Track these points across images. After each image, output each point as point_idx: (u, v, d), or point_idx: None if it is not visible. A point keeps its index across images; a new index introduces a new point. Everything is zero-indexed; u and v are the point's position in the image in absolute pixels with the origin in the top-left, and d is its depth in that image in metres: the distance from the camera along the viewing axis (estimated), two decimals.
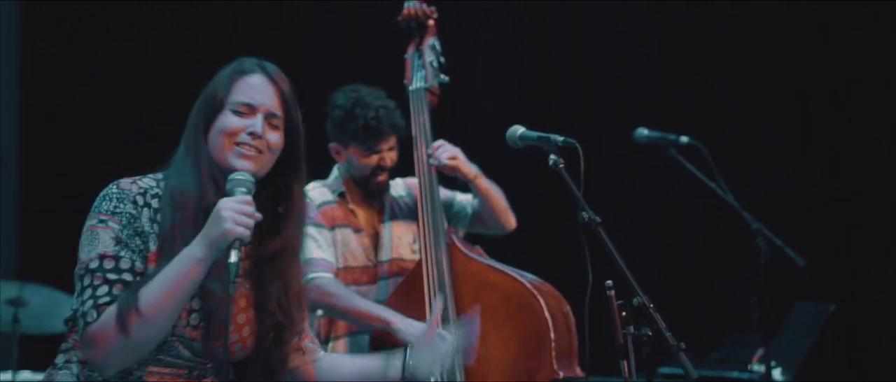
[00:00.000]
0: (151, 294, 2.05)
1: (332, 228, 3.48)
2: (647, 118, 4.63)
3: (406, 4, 3.65)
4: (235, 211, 2.05)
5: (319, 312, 3.48)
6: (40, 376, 4.81)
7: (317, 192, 3.52)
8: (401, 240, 3.57)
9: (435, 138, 3.52)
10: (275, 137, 2.23)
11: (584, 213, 2.59)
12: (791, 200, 5.28)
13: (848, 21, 5.27)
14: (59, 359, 2.25)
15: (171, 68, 5.78)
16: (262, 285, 2.25)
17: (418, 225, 3.48)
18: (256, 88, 2.23)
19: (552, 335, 3.26)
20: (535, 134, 2.76)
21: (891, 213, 5.19)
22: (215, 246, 2.05)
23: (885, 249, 5.20)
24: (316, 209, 3.46)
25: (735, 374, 4.33)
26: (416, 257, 3.53)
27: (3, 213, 5.88)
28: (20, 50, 6.07)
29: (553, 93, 5.58)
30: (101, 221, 2.15)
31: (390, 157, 3.53)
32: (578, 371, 3.33)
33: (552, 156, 2.67)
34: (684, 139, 4.15)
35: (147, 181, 2.22)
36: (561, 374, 3.26)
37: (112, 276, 2.10)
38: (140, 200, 2.18)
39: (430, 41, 3.61)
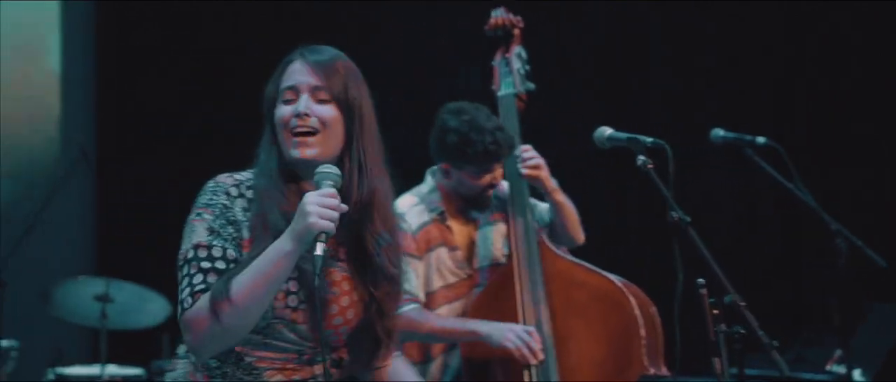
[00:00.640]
0: (242, 284, 2.12)
1: (428, 251, 3.52)
2: (719, 118, 4.64)
3: (493, 14, 3.73)
4: (319, 205, 2.09)
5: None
6: (127, 370, 4.99)
7: (413, 214, 3.52)
8: (495, 245, 3.62)
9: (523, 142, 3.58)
10: (325, 109, 2.23)
11: (673, 213, 2.63)
12: (869, 201, 5.25)
13: None
14: (180, 349, 2.34)
15: (245, 65, 5.83)
16: (361, 265, 2.29)
17: (508, 226, 3.54)
18: (297, 71, 2.27)
19: (642, 332, 3.32)
20: (623, 135, 2.80)
21: None
22: (302, 239, 2.09)
23: None
24: (411, 237, 3.47)
25: (808, 375, 4.32)
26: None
27: (85, 210, 6.02)
28: (96, 49, 6.20)
29: (624, 95, 5.60)
30: (198, 214, 2.23)
31: (500, 174, 3.55)
32: (665, 370, 3.38)
33: (640, 157, 2.72)
34: (761, 140, 4.13)
35: (245, 174, 2.30)
36: (651, 370, 3.32)
37: (206, 265, 2.18)
38: (234, 191, 2.25)
39: (517, 49, 3.70)
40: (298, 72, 2.27)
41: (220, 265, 2.18)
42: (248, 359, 2.24)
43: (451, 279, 3.56)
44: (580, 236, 3.68)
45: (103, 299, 4.82)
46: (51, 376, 4.77)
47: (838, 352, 4.14)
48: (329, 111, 2.25)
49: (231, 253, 2.19)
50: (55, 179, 5.65)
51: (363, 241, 2.27)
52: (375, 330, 2.30)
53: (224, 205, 2.23)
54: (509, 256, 3.54)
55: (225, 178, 2.28)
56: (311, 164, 2.22)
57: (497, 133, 3.43)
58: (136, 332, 5.01)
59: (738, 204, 5.43)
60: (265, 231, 2.19)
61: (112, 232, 5.98)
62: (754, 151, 4.17)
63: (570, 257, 3.54)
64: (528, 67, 3.69)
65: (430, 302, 3.52)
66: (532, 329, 3.37)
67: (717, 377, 2.51)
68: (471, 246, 3.60)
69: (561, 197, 3.59)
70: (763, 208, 5.38)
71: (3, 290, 5.09)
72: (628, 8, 5.59)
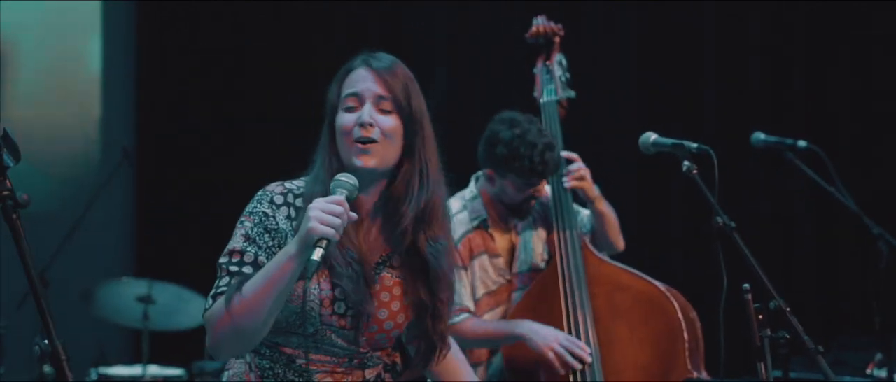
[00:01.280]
0: (252, 286, 2.15)
1: (471, 260, 3.54)
2: (758, 121, 4.63)
3: (534, 22, 3.76)
4: (322, 211, 2.10)
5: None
6: (168, 370, 5.02)
7: (455, 223, 3.51)
8: (535, 250, 3.63)
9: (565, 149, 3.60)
10: (388, 120, 2.24)
11: (718, 218, 2.64)
12: None
13: None
14: None
15: (286, 65, 5.84)
16: (415, 270, 2.31)
17: (553, 229, 3.56)
18: (361, 78, 2.27)
19: (685, 335, 3.34)
20: (668, 140, 2.81)
21: None
22: (305, 243, 2.11)
23: None
24: (455, 248, 3.46)
25: (847, 378, 4.30)
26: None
27: (127, 211, 6.08)
28: (136, 49, 6.24)
29: (659, 98, 5.60)
30: (241, 222, 2.27)
31: (544, 187, 3.55)
32: (706, 374, 3.40)
33: (686, 162, 2.72)
34: (802, 143, 4.13)
35: (296, 183, 2.32)
36: (694, 374, 3.33)
37: (234, 268, 2.21)
38: (279, 200, 2.27)
39: (558, 57, 3.73)
40: (362, 80, 2.28)
41: (248, 270, 2.20)
42: (299, 361, 2.28)
43: (493, 286, 3.58)
44: (620, 243, 3.69)
45: (145, 300, 4.87)
46: (93, 376, 4.83)
47: (879, 356, 4.13)
48: (391, 122, 2.26)
49: (262, 259, 2.21)
50: (97, 180, 5.72)
51: (419, 247, 2.28)
52: (430, 335, 2.33)
53: (265, 213, 2.25)
54: (551, 261, 3.56)
55: (274, 187, 2.30)
56: (372, 174, 2.24)
57: (546, 153, 3.41)
58: (177, 333, 5.06)
59: (772, 206, 5.41)
60: None
61: (153, 233, 6.02)
62: (795, 155, 4.18)
63: (613, 261, 3.56)
64: (568, 75, 3.73)
65: (476, 311, 3.54)
66: (580, 343, 3.39)
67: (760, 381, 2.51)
68: (511, 252, 3.62)
69: (603, 206, 3.60)
70: (798, 210, 5.35)
71: (46, 290, 5.18)
72: (672, 8, 5.58)
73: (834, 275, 5.33)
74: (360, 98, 2.26)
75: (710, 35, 5.55)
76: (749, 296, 2.53)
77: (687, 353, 3.33)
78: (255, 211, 2.26)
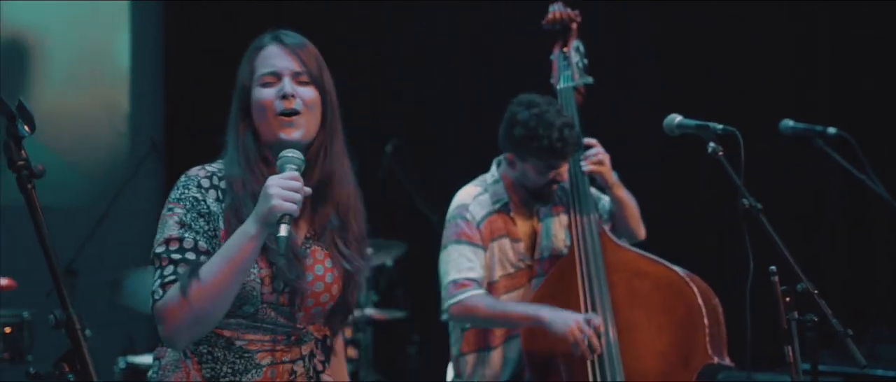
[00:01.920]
0: (211, 269, 2.14)
1: (492, 241, 3.52)
2: (785, 109, 4.59)
3: (551, 8, 3.73)
4: (282, 187, 2.11)
5: (467, 325, 3.57)
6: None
7: (476, 204, 3.53)
8: (556, 236, 3.61)
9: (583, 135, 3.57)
10: (308, 92, 2.27)
11: (744, 201, 2.61)
12: None
13: None
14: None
15: None
16: (335, 245, 2.33)
17: (570, 216, 3.53)
18: (274, 55, 2.30)
19: (706, 321, 3.29)
20: (693, 122, 2.79)
21: None
22: (265, 221, 2.11)
23: None
24: (476, 227, 3.48)
25: (880, 372, 4.25)
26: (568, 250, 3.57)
27: (154, 203, 6.12)
28: (164, 46, 6.32)
29: (680, 87, 5.56)
30: (169, 209, 2.25)
31: (565, 171, 3.52)
32: (729, 361, 3.35)
33: (711, 144, 2.70)
34: (832, 130, 4.08)
35: (216, 165, 2.31)
36: (715, 360, 3.28)
37: (176, 256, 2.19)
38: (205, 183, 2.26)
39: (575, 43, 3.69)
40: (276, 56, 2.31)
41: (191, 256, 2.19)
42: (238, 343, 2.27)
43: (512, 269, 3.56)
44: (641, 231, 3.66)
45: None
46: (122, 364, 4.85)
47: None
48: (311, 93, 2.29)
49: (202, 244, 2.21)
50: (125, 173, 5.76)
51: (328, 218, 2.31)
52: (349, 302, 2.36)
53: (195, 198, 2.24)
54: (571, 247, 3.52)
55: (196, 171, 2.30)
56: (296, 147, 2.24)
57: (564, 130, 3.39)
58: None
59: (803, 195, 5.36)
60: (239, 221, 2.20)
61: None
62: (825, 142, 4.13)
63: (632, 248, 3.51)
64: (586, 61, 3.68)
65: (490, 291, 3.52)
66: (597, 318, 3.34)
67: (789, 366, 2.47)
68: (533, 237, 3.60)
69: (622, 193, 3.57)
70: (829, 199, 5.30)
71: (75, 280, 5.22)
72: None
73: (866, 266, 5.26)
74: (277, 74, 2.29)
75: (731, 21, 5.50)
76: (776, 278, 2.49)
77: (708, 339, 3.28)
78: (183, 197, 2.25)
